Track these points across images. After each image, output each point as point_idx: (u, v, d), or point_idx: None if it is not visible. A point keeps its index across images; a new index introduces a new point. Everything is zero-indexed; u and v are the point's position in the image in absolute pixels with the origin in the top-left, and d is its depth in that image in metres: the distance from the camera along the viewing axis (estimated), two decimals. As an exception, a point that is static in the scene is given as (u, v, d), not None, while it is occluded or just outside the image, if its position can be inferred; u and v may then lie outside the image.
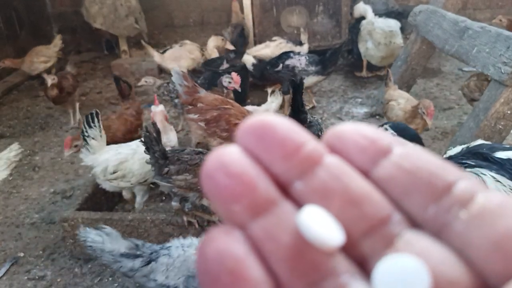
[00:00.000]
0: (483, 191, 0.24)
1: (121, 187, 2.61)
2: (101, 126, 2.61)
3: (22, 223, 2.92)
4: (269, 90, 4.07)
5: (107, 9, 5.38)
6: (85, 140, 2.56)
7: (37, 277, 2.45)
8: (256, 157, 0.26)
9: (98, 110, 2.64)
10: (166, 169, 2.21)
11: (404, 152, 0.26)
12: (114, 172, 2.53)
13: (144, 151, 2.28)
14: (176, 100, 3.66)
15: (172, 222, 2.40)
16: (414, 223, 0.25)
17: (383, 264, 0.23)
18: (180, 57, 4.65)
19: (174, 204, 2.34)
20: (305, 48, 4.58)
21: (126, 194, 2.72)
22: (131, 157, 2.55)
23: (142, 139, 2.24)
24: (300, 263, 0.24)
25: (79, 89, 4.47)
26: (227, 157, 0.26)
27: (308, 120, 2.40)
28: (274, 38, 4.81)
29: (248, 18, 5.34)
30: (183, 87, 2.74)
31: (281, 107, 3.98)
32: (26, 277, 2.46)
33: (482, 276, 0.23)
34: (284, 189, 0.26)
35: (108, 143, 2.70)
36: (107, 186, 2.64)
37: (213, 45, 4.68)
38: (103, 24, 5.46)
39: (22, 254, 2.63)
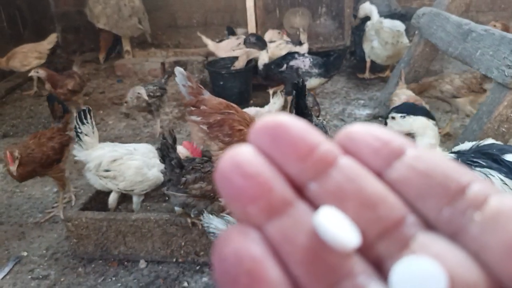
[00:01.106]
0: (497, 193, 0.24)
1: (109, 187, 2.62)
2: (94, 123, 2.65)
3: (26, 222, 2.93)
4: (271, 91, 4.08)
5: (111, 9, 5.39)
6: (78, 136, 2.60)
7: (40, 277, 2.46)
8: (270, 158, 0.26)
9: (89, 107, 2.69)
10: (184, 179, 2.22)
11: (417, 153, 0.26)
12: (107, 171, 2.55)
13: (160, 160, 2.29)
14: (152, 100, 3.67)
15: (176, 223, 2.41)
16: (429, 225, 0.25)
17: (400, 265, 0.23)
18: (232, 49, 4.70)
19: (177, 209, 2.35)
20: (305, 48, 4.58)
21: (112, 202, 2.70)
22: (126, 157, 2.56)
23: (159, 146, 2.25)
24: (317, 264, 0.24)
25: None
26: (242, 157, 0.26)
27: (313, 123, 2.40)
28: (273, 38, 4.81)
29: (251, 19, 5.35)
30: (187, 88, 2.73)
31: (284, 108, 3.99)
32: (29, 277, 2.46)
33: (498, 279, 0.23)
34: (299, 190, 0.26)
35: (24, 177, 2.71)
36: (96, 183, 2.64)
37: (269, 38, 4.70)
38: (106, 24, 5.47)
39: (25, 254, 2.64)
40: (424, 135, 2.05)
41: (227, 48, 4.74)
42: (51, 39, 5.06)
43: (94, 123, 2.65)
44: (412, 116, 2.06)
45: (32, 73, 4.09)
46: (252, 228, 0.25)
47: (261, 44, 4.17)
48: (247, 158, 0.26)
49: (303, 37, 4.67)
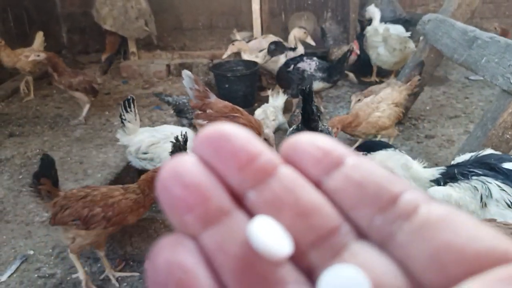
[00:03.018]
0: (427, 203, 0.25)
1: (147, 169, 2.82)
2: (136, 111, 2.89)
3: (32, 221, 2.95)
4: (269, 91, 4.09)
5: (118, 11, 5.42)
6: (122, 122, 2.88)
7: (47, 275, 2.48)
8: (212, 167, 0.26)
9: (133, 96, 2.91)
10: None
11: (355, 163, 0.27)
12: (145, 153, 2.82)
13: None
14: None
15: (181, 224, 2.43)
16: (362, 234, 0.26)
17: (327, 274, 0.24)
18: (259, 49, 4.72)
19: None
20: (300, 51, 4.61)
21: None
22: (163, 141, 2.73)
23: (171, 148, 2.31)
24: (248, 274, 0.24)
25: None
26: (182, 167, 0.26)
27: (320, 128, 2.42)
28: (301, 38, 4.70)
29: (256, 23, 5.38)
30: (193, 91, 2.77)
31: (288, 110, 4.01)
32: (36, 275, 2.49)
33: (421, 287, 0.24)
34: (239, 200, 0.26)
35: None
36: (137, 164, 2.92)
37: (294, 37, 4.68)
38: (112, 26, 5.50)
39: (32, 252, 2.66)
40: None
41: (253, 47, 4.77)
42: (39, 40, 4.98)
43: (136, 111, 2.89)
44: (372, 153, 2.20)
45: (32, 57, 4.08)
46: (187, 237, 0.25)
47: (280, 49, 4.26)
48: (187, 167, 0.26)
49: (310, 40, 4.70)
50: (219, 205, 0.25)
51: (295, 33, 4.69)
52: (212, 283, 0.24)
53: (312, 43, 4.78)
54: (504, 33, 4.64)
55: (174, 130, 2.85)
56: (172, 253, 0.24)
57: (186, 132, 2.32)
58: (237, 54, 5.15)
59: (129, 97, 2.87)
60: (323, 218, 0.26)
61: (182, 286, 0.24)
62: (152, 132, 2.90)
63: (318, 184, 0.27)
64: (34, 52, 4.10)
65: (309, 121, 2.38)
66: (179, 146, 2.25)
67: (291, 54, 4.51)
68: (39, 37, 5.00)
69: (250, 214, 0.26)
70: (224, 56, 4.69)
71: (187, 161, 0.26)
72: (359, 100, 3.38)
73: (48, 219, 2.23)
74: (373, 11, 4.77)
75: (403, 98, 3.24)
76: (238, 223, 0.26)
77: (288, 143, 0.28)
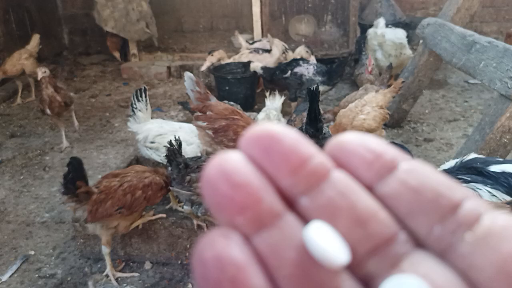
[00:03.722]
0: (489, 212, 0.24)
1: (153, 158, 2.94)
2: (148, 101, 2.99)
3: (33, 221, 2.97)
4: (267, 94, 4.11)
5: (119, 13, 5.45)
6: (133, 111, 2.97)
7: (47, 275, 2.50)
8: (261, 168, 0.25)
9: (146, 86, 3.02)
10: (188, 177, 2.26)
11: (410, 168, 0.26)
12: (152, 142, 2.90)
13: (166, 164, 2.37)
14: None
15: (181, 225, 2.45)
16: (419, 242, 0.25)
17: (387, 284, 0.23)
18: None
19: (186, 208, 2.39)
20: (274, 53, 4.64)
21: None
22: (170, 133, 2.78)
23: (166, 153, 2.33)
24: (305, 280, 0.23)
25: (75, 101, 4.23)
26: (231, 164, 0.25)
27: (323, 131, 2.42)
28: (303, 55, 4.73)
29: (256, 25, 5.41)
30: (194, 93, 2.78)
31: (288, 113, 4.03)
32: (37, 275, 2.51)
33: None
34: (290, 203, 0.25)
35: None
36: (144, 152, 2.98)
37: (298, 53, 4.72)
38: (114, 28, 5.53)
39: (32, 252, 2.68)
40: None
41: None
42: (35, 41, 5.02)
43: (148, 101, 2.99)
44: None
45: (40, 74, 4.07)
46: (235, 232, 0.24)
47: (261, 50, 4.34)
48: (236, 166, 0.25)
49: (272, 44, 4.79)
50: (271, 207, 0.24)
51: (299, 51, 4.73)
52: (265, 283, 0.23)
53: (314, 61, 4.80)
54: (509, 37, 4.67)
55: (182, 125, 2.99)
56: (222, 248, 0.23)
57: (179, 137, 2.33)
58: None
59: (141, 87, 2.96)
60: (379, 226, 0.25)
61: (236, 283, 0.23)
62: (161, 123, 3.02)
63: (370, 189, 0.26)
64: (41, 69, 4.04)
65: (316, 121, 2.36)
66: (173, 150, 2.26)
67: (267, 56, 4.57)
68: (35, 39, 5.08)
69: (302, 218, 0.25)
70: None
71: (234, 159, 0.25)
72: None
73: (83, 219, 2.24)
74: (379, 21, 4.83)
75: (387, 101, 3.28)
76: (292, 227, 0.25)
77: (336, 143, 0.27)
